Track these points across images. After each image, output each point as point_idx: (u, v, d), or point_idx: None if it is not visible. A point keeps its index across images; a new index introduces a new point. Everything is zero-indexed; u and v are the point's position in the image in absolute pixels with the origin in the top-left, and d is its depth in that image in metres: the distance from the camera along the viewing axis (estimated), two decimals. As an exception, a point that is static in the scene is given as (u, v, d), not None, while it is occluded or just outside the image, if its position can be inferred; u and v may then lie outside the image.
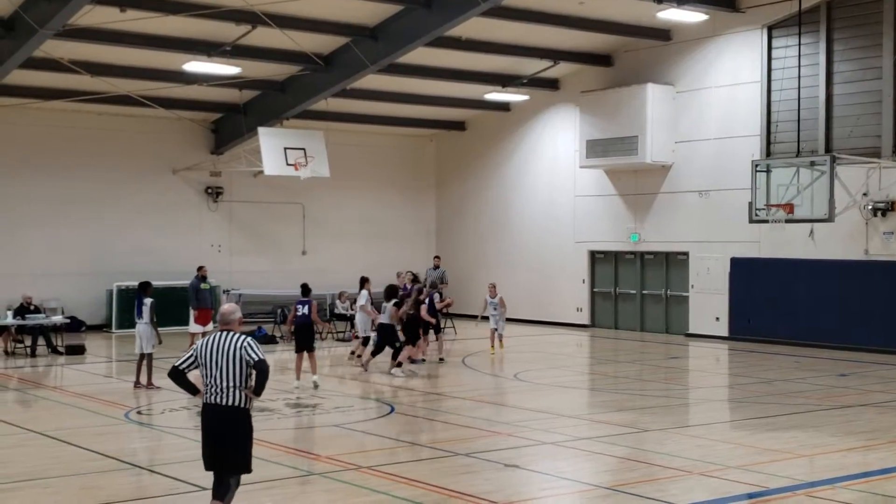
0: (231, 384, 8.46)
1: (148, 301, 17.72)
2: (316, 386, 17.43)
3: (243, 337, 8.56)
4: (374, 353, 19.73)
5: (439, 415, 15.18)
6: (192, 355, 8.68)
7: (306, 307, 18.12)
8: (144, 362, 17.71)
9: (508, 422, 14.34)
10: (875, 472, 11.32)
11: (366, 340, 20.71)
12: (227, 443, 8.53)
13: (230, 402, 8.48)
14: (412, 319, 19.88)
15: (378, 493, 10.17)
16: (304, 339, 18.02)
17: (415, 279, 23.45)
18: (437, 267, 27.54)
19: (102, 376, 20.36)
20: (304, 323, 18.07)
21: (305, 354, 18.03)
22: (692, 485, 10.65)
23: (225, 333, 8.58)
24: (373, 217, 33.04)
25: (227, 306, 8.90)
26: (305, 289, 18.85)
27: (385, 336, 19.54)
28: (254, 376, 8.54)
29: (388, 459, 11.81)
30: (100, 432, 13.80)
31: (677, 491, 10.33)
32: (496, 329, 23.00)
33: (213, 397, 8.51)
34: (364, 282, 21.71)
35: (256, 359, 8.48)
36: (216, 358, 8.47)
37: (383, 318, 19.48)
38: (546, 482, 10.96)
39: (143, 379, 17.60)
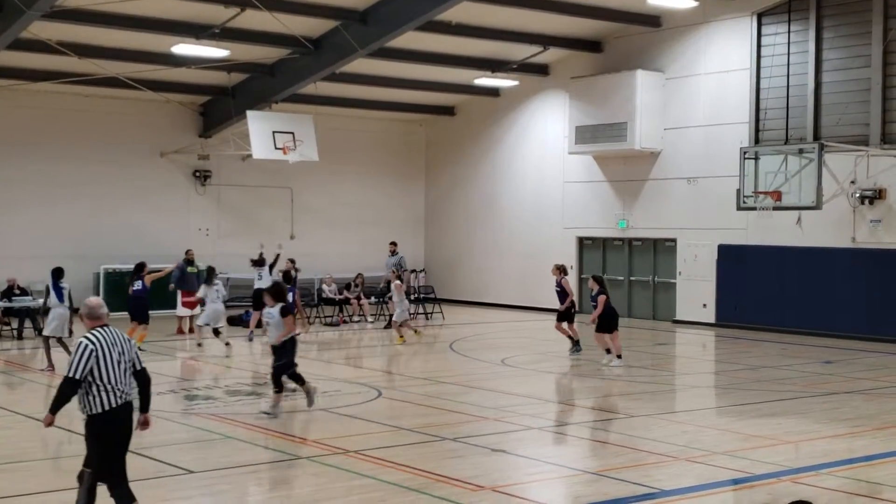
0: (130, 382, 7.98)
1: (67, 286, 17.80)
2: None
3: (128, 337, 8.20)
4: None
5: (426, 399, 15.19)
6: (90, 359, 7.85)
7: (290, 295, 16.96)
8: (51, 344, 17.73)
9: (495, 407, 14.36)
10: (860, 459, 11.37)
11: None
12: (129, 442, 8.12)
13: (130, 400, 7.98)
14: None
15: (365, 477, 10.18)
16: None
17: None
18: (393, 253, 26.94)
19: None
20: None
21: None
22: (678, 470, 10.69)
23: (110, 329, 8.06)
24: (361, 202, 32.99)
25: (94, 300, 8.27)
26: (287, 276, 17.93)
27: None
28: (140, 385, 8.15)
29: (374, 443, 11.82)
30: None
31: (663, 477, 10.37)
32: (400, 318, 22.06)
33: (120, 398, 7.89)
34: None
35: (142, 366, 8.13)
36: (119, 357, 7.94)
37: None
38: (532, 467, 10.99)
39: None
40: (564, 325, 20.52)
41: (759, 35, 24.97)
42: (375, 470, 10.46)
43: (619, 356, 18.77)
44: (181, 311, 23.57)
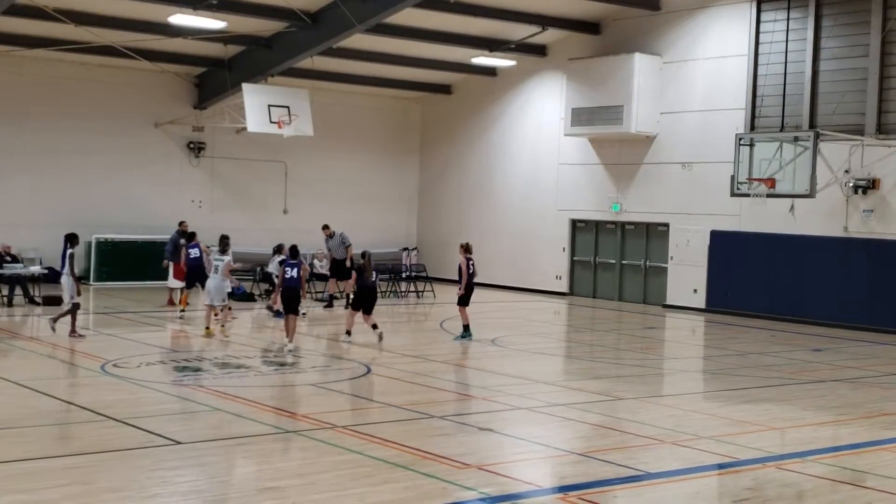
0: None
1: (69, 252, 17.97)
2: (286, 349, 17.16)
3: None
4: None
5: (415, 377, 15.22)
6: None
7: (295, 270, 17.61)
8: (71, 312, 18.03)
9: (484, 386, 14.40)
10: (845, 447, 11.44)
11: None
12: None
13: None
14: None
15: (352, 453, 10.21)
16: (294, 302, 17.47)
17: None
18: (331, 236, 26.02)
19: (79, 328, 20.30)
20: (292, 286, 17.52)
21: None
22: (664, 454, 10.74)
23: None
24: (355, 178, 32.94)
25: None
26: (294, 251, 18.16)
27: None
28: None
29: (363, 419, 11.85)
30: (75, 383, 13.79)
31: (649, 459, 10.42)
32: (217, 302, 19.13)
33: None
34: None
35: None
36: None
37: None
38: (519, 447, 11.03)
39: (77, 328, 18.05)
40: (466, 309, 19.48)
41: (758, 21, 24.92)
42: (363, 445, 10.50)
43: (348, 332, 18.45)
44: (172, 282, 23.52)
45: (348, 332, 18.44)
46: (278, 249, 22.24)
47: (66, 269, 17.98)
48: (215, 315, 18.81)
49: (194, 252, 21.67)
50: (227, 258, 19.16)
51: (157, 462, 9.74)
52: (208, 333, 18.49)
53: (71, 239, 18.35)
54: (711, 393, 15.31)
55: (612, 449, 10.86)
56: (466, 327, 19.29)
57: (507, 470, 9.93)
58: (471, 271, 19.41)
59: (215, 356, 16.50)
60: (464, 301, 19.37)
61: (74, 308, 17.94)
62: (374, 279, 18.63)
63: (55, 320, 18.07)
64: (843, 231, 23.37)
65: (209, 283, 19.00)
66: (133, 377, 14.43)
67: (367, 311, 18.41)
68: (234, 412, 12.05)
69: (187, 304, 21.79)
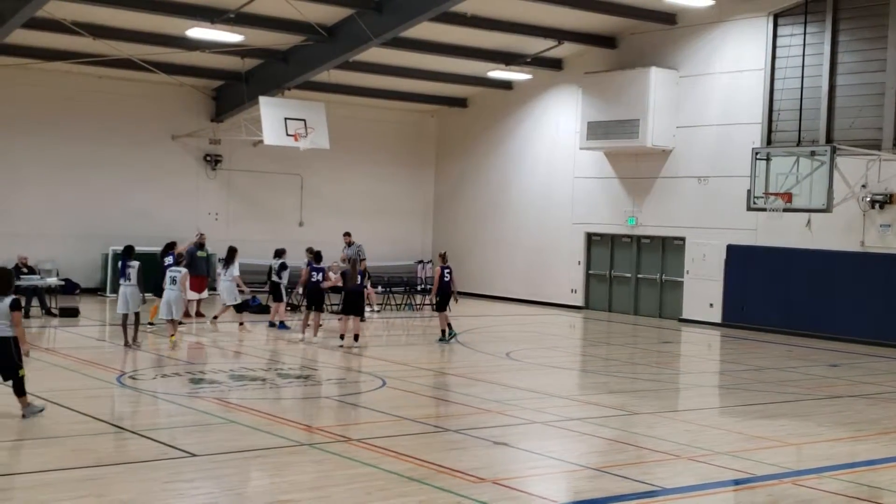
0: None
1: (135, 264, 18.14)
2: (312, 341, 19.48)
3: None
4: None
5: (430, 390, 15.21)
6: None
7: (320, 274, 20.08)
8: (131, 321, 18.37)
9: (499, 400, 14.37)
10: (862, 463, 11.37)
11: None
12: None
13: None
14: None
15: (366, 466, 10.20)
16: (316, 301, 20.02)
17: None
18: (349, 244, 26.28)
19: (95, 339, 20.38)
20: (316, 288, 20.07)
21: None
22: (680, 469, 10.70)
23: None
24: (371, 191, 33.01)
25: None
26: (318, 257, 20.45)
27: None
28: None
29: (377, 433, 11.84)
30: (91, 395, 13.82)
31: (665, 475, 10.38)
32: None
33: None
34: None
35: None
36: None
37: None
38: (534, 461, 11.00)
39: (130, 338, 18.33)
40: (446, 313, 20.79)
41: (775, 36, 24.90)
42: (377, 459, 10.49)
43: (341, 336, 19.55)
44: (189, 294, 23.55)
45: (341, 337, 19.55)
46: (279, 254, 23.04)
47: (133, 281, 18.18)
48: (177, 323, 18.75)
49: (168, 260, 21.21)
50: (184, 270, 18.97)
51: (172, 474, 9.75)
52: (172, 344, 18.37)
53: (129, 252, 18.58)
54: (727, 408, 15.25)
55: (628, 464, 10.82)
56: (446, 329, 20.55)
57: (522, 484, 9.91)
58: (447, 279, 20.63)
59: (231, 368, 16.52)
60: (440, 307, 20.69)
61: (137, 317, 18.34)
62: (358, 282, 20.04)
63: (135, 340, 18.31)
64: (859, 246, 23.28)
65: (165, 295, 18.64)
66: (149, 388, 14.46)
67: (358, 313, 19.98)
68: (249, 424, 12.06)
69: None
